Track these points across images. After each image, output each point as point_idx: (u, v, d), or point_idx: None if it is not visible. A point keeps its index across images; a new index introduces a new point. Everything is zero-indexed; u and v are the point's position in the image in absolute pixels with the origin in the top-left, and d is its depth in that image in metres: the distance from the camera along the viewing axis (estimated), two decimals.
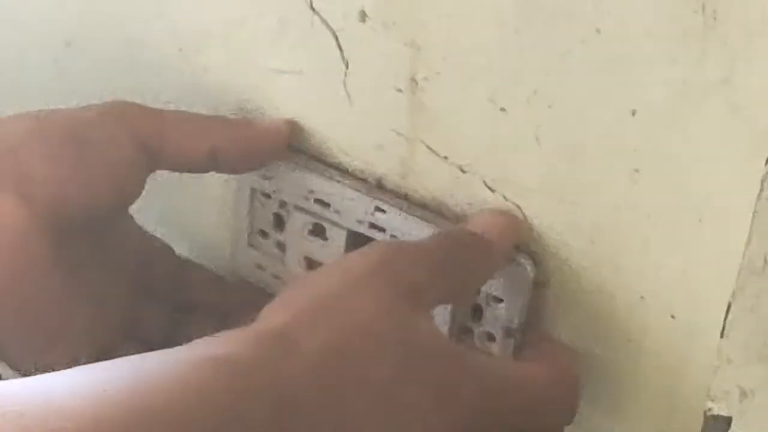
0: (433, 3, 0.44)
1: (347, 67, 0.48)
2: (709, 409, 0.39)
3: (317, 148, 0.50)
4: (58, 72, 0.58)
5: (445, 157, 0.47)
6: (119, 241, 0.49)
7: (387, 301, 0.39)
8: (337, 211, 0.49)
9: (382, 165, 0.49)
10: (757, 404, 0.39)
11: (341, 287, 0.39)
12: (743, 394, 0.39)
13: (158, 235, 0.53)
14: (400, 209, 0.47)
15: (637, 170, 0.42)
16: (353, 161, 0.49)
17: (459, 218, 0.47)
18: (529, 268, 0.45)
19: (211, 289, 0.53)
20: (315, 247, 0.50)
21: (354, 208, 0.48)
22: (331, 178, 0.49)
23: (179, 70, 0.53)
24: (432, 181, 0.48)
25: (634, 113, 0.41)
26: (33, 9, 0.58)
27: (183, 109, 0.53)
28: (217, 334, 0.37)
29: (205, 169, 0.48)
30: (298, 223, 0.50)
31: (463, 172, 0.47)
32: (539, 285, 0.46)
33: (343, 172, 0.49)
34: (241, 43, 0.51)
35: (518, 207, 0.46)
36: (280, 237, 0.51)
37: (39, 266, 0.43)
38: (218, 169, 0.48)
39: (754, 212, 0.38)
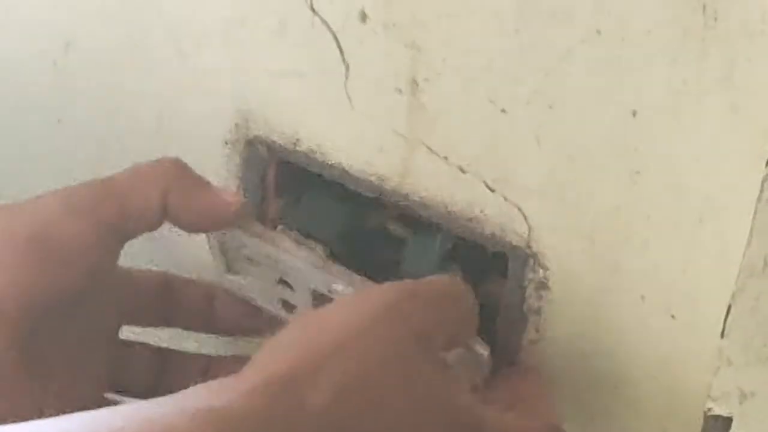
0: (433, 3, 0.44)
1: (347, 68, 0.48)
2: (710, 410, 0.39)
3: (317, 148, 0.50)
4: (58, 72, 0.58)
5: (445, 158, 0.47)
6: (98, 298, 0.48)
7: (397, 350, 0.38)
8: (295, 278, 0.48)
9: (382, 165, 0.49)
10: (757, 405, 0.39)
11: (349, 334, 0.38)
12: (743, 395, 0.39)
13: (145, 254, 0.52)
14: (352, 284, 0.46)
15: (637, 171, 0.42)
16: (353, 162, 0.49)
17: (459, 218, 0.47)
18: (483, 352, 0.44)
19: (200, 305, 0.52)
20: (286, 293, 0.49)
21: (311, 278, 0.47)
22: (285, 250, 0.47)
23: (179, 71, 0.53)
24: (432, 181, 0.48)
25: (634, 113, 0.41)
26: (32, 9, 0.58)
27: (181, 107, 0.53)
28: (216, 381, 0.36)
29: (160, 223, 0.46)
30: (266, 272, 0.49)
31: (463, 172, 0.47)
32: (539, 285, 0.46)
33: (295, 243, 0.48)
34: (241, 44, 0.51)
35: (518, 207, 0.46)
36: (255, 272, 0.50)
37: (5, 372, 0.43)
38: (169, 220, 0.47)
39: (754, 212, 0.38)
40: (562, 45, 0.42)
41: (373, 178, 0.49)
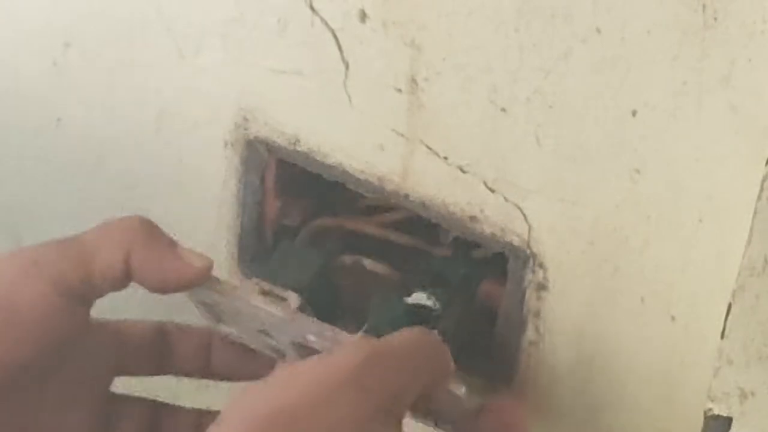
0: (433, 3, 0.44)
1: (347, 67, 0.48)
2: (709, 410, 0.39)
3: (317, 148, 0.50)
4: (57, 72, 0.58)
5: (445, 157, 0.47)
6: (81, 355, 0.47)
7: (363, 418, 0.37)
8: (271, 330, 0.47)
9: (382, 165, 0.49)
10: (757, 405, 0.39)
11: (313, 399, 0.37)
12: (743, 395, 0.39)
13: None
14: (322, 334, 0.45)
15: (637, 170, 0.42)
16: (353, 161, 0.49)
17: (459, 218, 0.47)
18: (459, 391, 0.43)
19: (196, 352, 0.50)
20: (269, 341, 0.48)
21: (284, 330, 0.46)
22: (255, 306, 0.46)
23: (178, 70, 0.53)
24: (432, 181, 0.48)
25: (634, 113, 0.41)
26: (32, 9, 0.57)
27: (181, 107, 0.53)
28: None
29: (125, 284, 0.45)
30: (246, 323, 0.48)
31: (463, 172, 0.47)
32: (539, 286, 0.46)
33: (264, 296, 0.46)
34: (240, 44, 0.51)
35: (518, 207, 0.46)
36: (238, 322, 0.49)
37: None
38: (134, 280, 0.45)
39: (754, 212, 0.38)
40: (562, 45, 0.42)
41: (373, 179, 0.49)
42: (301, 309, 0.45)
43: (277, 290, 0.46)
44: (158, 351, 0.49)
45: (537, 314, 0.47)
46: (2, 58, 0.60)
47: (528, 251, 0.46)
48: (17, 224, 0.64)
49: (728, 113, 0.39)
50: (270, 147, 0.52)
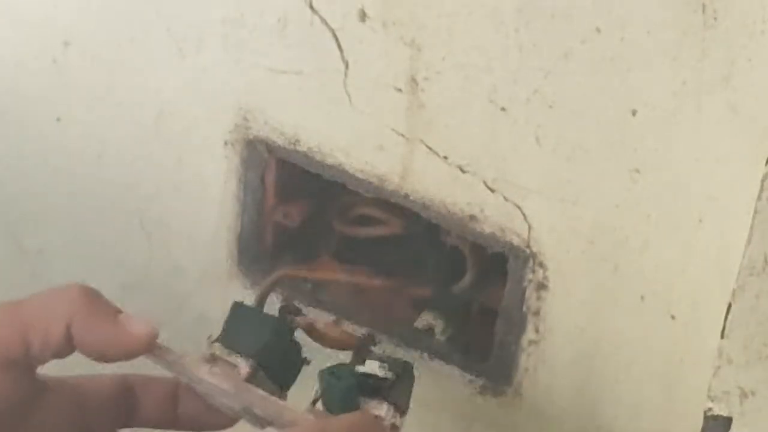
0: (433, 3, 0.44)
1: (347, 66, 0.48)
2: (709, 409, 0.39)
3: (317, 148, 0.50)
4: (57, 71, 0.58)
5: (445, 157, 0.47)
6: (35, 418, 0.46)
7: None
8: (222, 398, 0.46)
9: (382, 165, 0.49)
10: (757, 404, 0.39)
11: None
12: (743, 394, 0.39)
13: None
14: (267, 409, 0.44)
15: (637, 170, 0.42)
16: (353, 161, 0.49)
17: (459, 218, 0.47)
18: None
19: (163, 404, 0.49)
20: (223, 403, 0.47)
21: (230, 401, 0.45)
22: (200, 378, 0.45)
23: (178, 69, 0.53)
24: (432, 181, 0.48)
25: (633, 113, 0.41)
26: (32, 8, 0.57)
27: (181, 107, 0.53)
28: None
29: (68, 351, 0.44)
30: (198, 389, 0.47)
31: (463, 172, 0.47)
32: (539, 286, 0.46)
33: (210, 367, 0.45)
34: (240, 43, 0.50)
35: (518, 207, 0.46)
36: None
37: None
38: (77, 349, 0.45)
39: (754, 212, 0.38)
40: (562, 45, 0.42)
41: (373, 179, 0.49)
42: (252, 376, 0.45)
43: (228, 356, 0.45)
44: (123, 404, 0.48)
45: (537, 313, 0.47)
46: (2, 57, 0.60)
47: (528, 251, 0.46)
48: (17, 224, 0.64)
49: (728, 113, 0.39)
50: (270, 147, 0.52)
